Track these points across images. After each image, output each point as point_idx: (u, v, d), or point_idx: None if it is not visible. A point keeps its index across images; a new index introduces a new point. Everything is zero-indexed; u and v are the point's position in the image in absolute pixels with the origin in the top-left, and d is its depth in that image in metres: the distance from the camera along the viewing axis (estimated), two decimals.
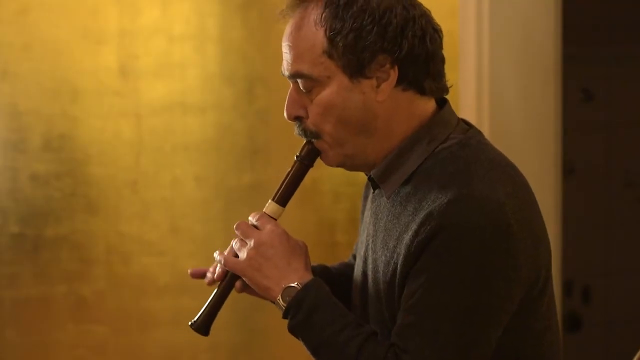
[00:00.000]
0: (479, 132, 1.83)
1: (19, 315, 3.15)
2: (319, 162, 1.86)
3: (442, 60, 1.80)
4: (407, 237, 1.70)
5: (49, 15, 3.09)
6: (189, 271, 1.96)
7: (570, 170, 4.08)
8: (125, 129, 3.16)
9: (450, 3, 3.17)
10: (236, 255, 1.83)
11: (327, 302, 1.74)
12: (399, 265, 1.71)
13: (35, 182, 3.12)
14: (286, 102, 1.80)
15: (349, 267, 2.05)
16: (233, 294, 1.88)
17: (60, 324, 3.16)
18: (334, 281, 1.96)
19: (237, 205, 3.25)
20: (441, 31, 1.80)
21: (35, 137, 3.11)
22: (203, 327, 1.86)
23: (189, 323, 1.86)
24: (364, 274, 1.85)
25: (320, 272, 1.98)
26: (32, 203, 3.12)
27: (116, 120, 3.16)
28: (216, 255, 1.87)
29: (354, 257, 2.06)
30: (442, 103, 1.83)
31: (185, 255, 3.21)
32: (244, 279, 1.82)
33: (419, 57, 1.75)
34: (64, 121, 3.13)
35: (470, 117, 3.06)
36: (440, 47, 1.79)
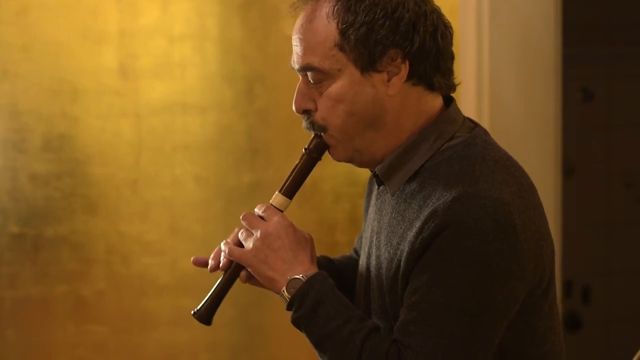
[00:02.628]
0: (485, 132, 1.83)
1: (19, 315, 3.15)
2: (322, 160, 1.86)
3: (452, 56, 1.80)
4: (411, 234, 1.71)
5: (49, 15, 3.09)
6: (192, 259, 1.95)
7: (570, 170, 4.08)
8: (125, 129, 3.16)
9: (450, 3, 3.17)
10: (241, 245, 1.83)
11: (331, 296, 1.74)
12: (402, 262, 1.72)
13: (35, 182, 3.12)
14: (295, 95, 1.80)
15: (352, 260, 2.05)
16: (235, 289, 1.88)
17: (60, 324, 3.16)
18: (336, 273, 1.97)
19: (237, 205, 3.25)
20: (451, 28, 1.80)
21: (35, 137, 3.11)
22: (206, 316, 1.85)
23: (192, 312, 1.86)
24: (368, 269, 1.85)
25: (324, 264, 1.98)
26: (32, 203, 3.12)
27: (116, 120, 3.16)
28: (222, 245, 1.86)
29: (355, 251, 2.07)
30: (448, 101, 1.83)
31: (185, 255, 3.20)
32: (249, 269, 1.82)
33: (429, 52, 1.75)
34: (64, 121, 3.12)
35: (470, 117, 3.06)
36: (451, 43, 1.79)
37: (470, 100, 3.13)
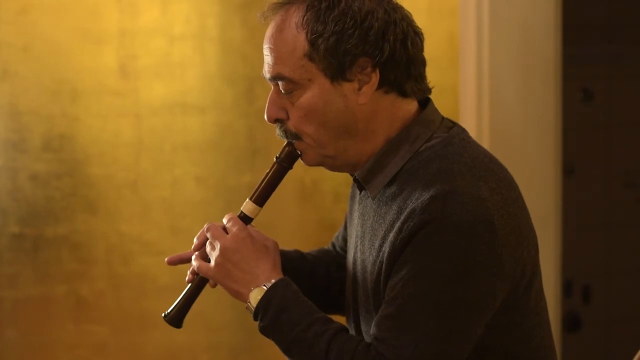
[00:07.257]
0: (463, 130, 1.84)
1: (19, 315, 3.15)
2: None
3: (423, 63, 1.81)
4: (391, 235, 1.72)
5: (49, 15, 3.09)
6: (166, 260, 1.97)
7: (570, 170, 4.08)
8: (125, 129, 3.16)
9: (450, 3, 3.17)
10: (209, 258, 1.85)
11: (294, 301, 1.76)
12: (384, 264, 1.73)
13: (35, 182, 3.12)
14: (267, 104, 1.81)
15: (327, 254, 2.06)
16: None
17: (60, 324, 3.16)
18: (308, 270, 1.99)
19: (237, 205, 3.22)
20: (422, 34, 1.81)
21: (35, 137, 3.12)
22: (176, 319, 1.89)
23: (163, 315, 1.89)
24: (354, 275, 1.86)
25: (296, 258, 2.00)
26: (32, 203, 3.12)
27: (116, 120, 3.16)
28: (193, 259, 1.89)
29: (333, 245, 2.08)
30: (425, 102, 1.83)
31: None
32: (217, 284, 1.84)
33: (400, 60, 1.76)
34: (64, 121, 3.13)
35: (470, 117, 3.06)
36: (422, 50, 1.80)
37: (470, 100, 3.13)
